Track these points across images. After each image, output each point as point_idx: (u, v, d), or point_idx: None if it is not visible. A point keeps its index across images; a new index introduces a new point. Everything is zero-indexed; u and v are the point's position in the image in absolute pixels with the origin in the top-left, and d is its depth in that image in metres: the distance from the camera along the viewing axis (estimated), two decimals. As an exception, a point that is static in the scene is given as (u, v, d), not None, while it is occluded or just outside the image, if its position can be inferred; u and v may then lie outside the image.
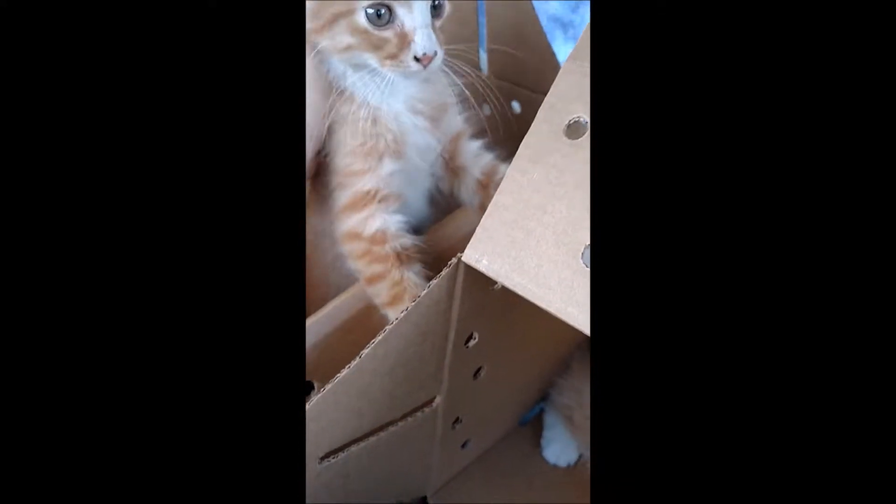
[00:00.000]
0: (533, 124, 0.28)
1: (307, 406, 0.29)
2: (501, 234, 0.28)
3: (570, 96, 0.27)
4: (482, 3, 0.52)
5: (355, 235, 0.36)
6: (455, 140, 0.40)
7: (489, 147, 0.41)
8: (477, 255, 0.28)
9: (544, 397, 0.57)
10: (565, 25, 0.62)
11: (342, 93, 0.36)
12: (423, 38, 0.32)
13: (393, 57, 0.33)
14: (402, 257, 0.36)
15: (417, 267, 0.37)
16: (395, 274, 0.35)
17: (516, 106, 0.55)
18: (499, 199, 0.28)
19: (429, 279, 0.30)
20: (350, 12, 0.32)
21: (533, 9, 0.48)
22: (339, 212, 0.37)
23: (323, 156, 0.39)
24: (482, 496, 0.49)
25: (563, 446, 0.53)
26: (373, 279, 0.36)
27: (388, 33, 0.32)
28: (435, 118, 0.38)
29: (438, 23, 0.33)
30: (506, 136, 0.42)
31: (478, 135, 0.41)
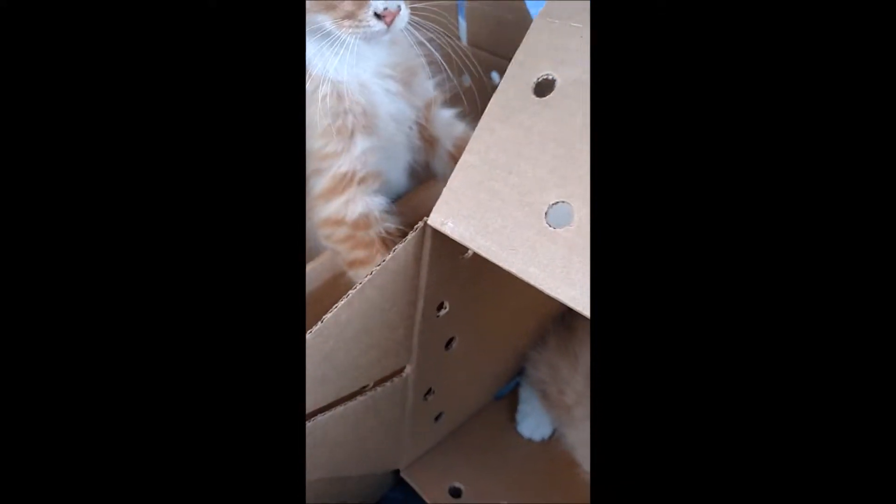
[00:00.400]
0: (502, 82, 0.27)
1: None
2: (467, 196, 0.27)
3: (538, 53, 0.26)
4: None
5: (338, 221, 0.35)
6: (428, 107, 0.39)
7: (462, 116, 0.40)
8: (442, 217, 0.27)
9: (520, 371, 0.57)
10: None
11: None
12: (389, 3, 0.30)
13: (350, 16, 0.30)
14: (386, 242, 0.35)
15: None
16: (379, 259, 0.34)
17: (496, 76, 0.54)
18: (466, 160, 0.27)
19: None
20: None
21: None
22: (316, 197, 0.35)
23: None
24: (456, 470, 0.49)
25: (538, 421, 0.53)
26: (355, 263, 0.35)
27: (332, 17, 0.30)
28: (406, 82, 0.36)
29: None
30: (484, 107, 0.41)
31: (450, 102, 0.40)
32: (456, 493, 0.48)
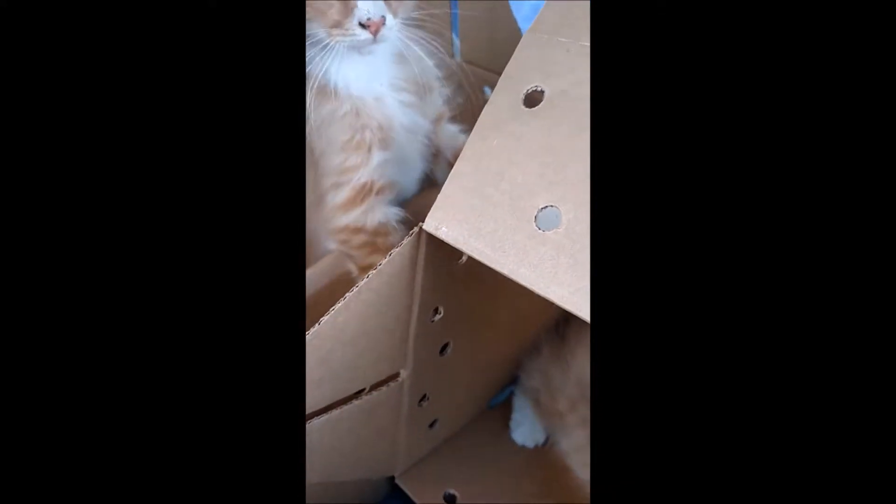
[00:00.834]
0: (493, 94, 0.29)
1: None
2: (461, 202, 0.28)
3: (528, 67, 0.28)
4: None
5: (357, 229, 0.36)
6: (437, 121, 0.40)
7: (465, 132, 0.42)
8: (436, 222, 0.28)
9: (514, 380, 0.58)
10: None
11: (323, 90, 0.35)
12: (365, 6, 0.30)
13: (338, 24, 0.31)
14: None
15: None
16: None
17: (488, 91, 0.56)
18: (459, 167, 0.29)
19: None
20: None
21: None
22: (336, 207, 0.36)
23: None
24: (450, 477, 0.50)
25: (532, 428, 0.54)
26: (369, 268, 0.36)
27: (325, 24, 0.31)
28: (420, 95, 0.37)
29: None
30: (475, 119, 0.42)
31: (456, 118, 0.41)
32: (451, 499, 0.48)
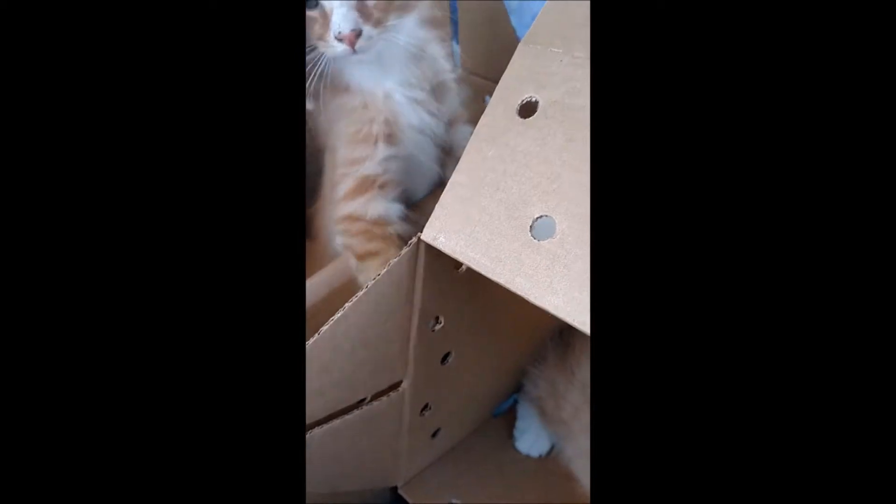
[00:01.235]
0: (489, 105, 0.29)
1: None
2: (458, 212, 0.28)
3: (522, 78, 0.28)
4: (454, 2, 0.53)
5: (357, 217, 0.36)
6: (453, 124, 0.40)
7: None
8: (434, 232, 0.29)
9: (518, 388, 0.57)
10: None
11: (335, 84, 0.35)
12: (338, 16, 0.31)
13: (321, 37, 0.33)
14: (402, 238, 0.36)
15: None
16: (392, 252, 0.35)
17: (489, 100, 0.56)
18: (456, 178, 0.29)
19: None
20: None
21: (504, 6, 0.49)
22: (339, 199, 0.37)
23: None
24: (454, 487, 0.50)
25: (536, 437, 0.54)
26: (365, 255, 0.36)
27: (314, 13, 0.32)
28: (436, 96, 0.37)
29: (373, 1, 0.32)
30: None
31: (473, 120, 0.41)
32: (454, 509, 0.48)
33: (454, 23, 0.56)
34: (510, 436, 0.55)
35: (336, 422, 0.36)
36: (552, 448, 0.54)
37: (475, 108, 0.46)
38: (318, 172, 0.42)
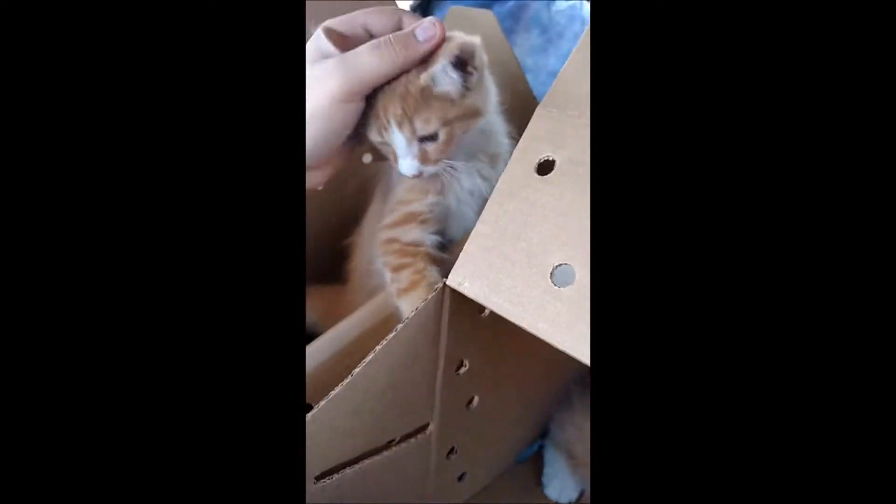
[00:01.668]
0: (509, 163, 0.32)
1: (302, 422, 0.31)
2: (481, 260, 0.30)
3: (540, 138, 0.31)
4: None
5: (394, 240, 0.39)
6: None
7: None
8: (459, 278, 0.31)
9: (544, 433, 0.57)
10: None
11: None
12: (403, 165, 0.36)
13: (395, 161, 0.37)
14: (432, 257, 0.39)
15: (442, 271, 0.39)
16: (420, 264, 0.38)
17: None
18: (479, 229, 0.31)
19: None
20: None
21: (520, 66, 0.53)
22: (385, 226, 0.40)
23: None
24: (480, 533, 0.49)
25: (565, 482, 0.53)
26: (399, 268, 0.39)
27: (387, 148, 0.37)
28: (490, 163, 0.41)
29: (433, 146, 0.36)
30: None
31: None
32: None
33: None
34: (536, 481, 0.55)
35: (366, 462, 0.37)
36: (581, 494, 0.53)
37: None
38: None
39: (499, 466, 0.55)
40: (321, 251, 0.46)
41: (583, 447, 0.50)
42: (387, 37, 0.32)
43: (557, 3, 0.73)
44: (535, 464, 0.57)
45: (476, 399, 0.43)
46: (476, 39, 0.34)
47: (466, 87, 0.34)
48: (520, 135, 0.32)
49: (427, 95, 0.33)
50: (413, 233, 0.39)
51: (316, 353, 0.40)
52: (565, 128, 0.30)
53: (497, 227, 0.30)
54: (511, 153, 0.32)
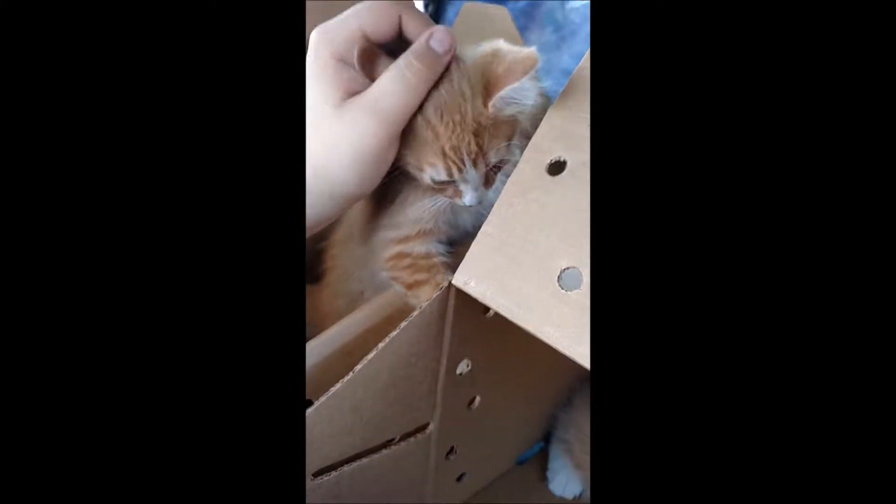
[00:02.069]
0: (519, 163, 0.31)
1: (302, 418, 0.30)
2: (488, 260, 0.30)
3: (552, 139, 0.30)
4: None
5: (402, 255, 0.38)
6: None
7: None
8: (465, 278, 0.30)
9: (543, 437, 0.57)
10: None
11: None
12: (469, 197, 0.34)
13: (451, 196, 0.35)
14: (448, 265, 0.38)
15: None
16: (440, 278, 0.36)
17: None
18: (486, 229, 0.31)
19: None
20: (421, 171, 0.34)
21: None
22: (391, 241, 0.39)
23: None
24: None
25: (568, 478, 0.54)
26: (414, 285, 0.38)
27: (447, 186, 0.34)
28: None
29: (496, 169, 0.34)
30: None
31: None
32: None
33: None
34: (535, 483, 0.55)
35: (365, 460, 0.37)
36: (583, 491, 0.53)
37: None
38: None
39: (498, 467, 0.55)
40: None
41: (580, 446, 0.51)
42: (407, 59, 0.30)
43: (571, 1, 0.72)
44: (534, 466, 0.57)
45: (477, 399, 0.43)
46: (532, 51, 0.31)
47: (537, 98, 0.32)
48: (530, 136, 0.31)
49: (497, 122, 0.31)
50: (420, 245, 0.38)
51: (315, 350, 0.39)
52: (577, 128, 0.29)
53: (505, 228, 0.30)
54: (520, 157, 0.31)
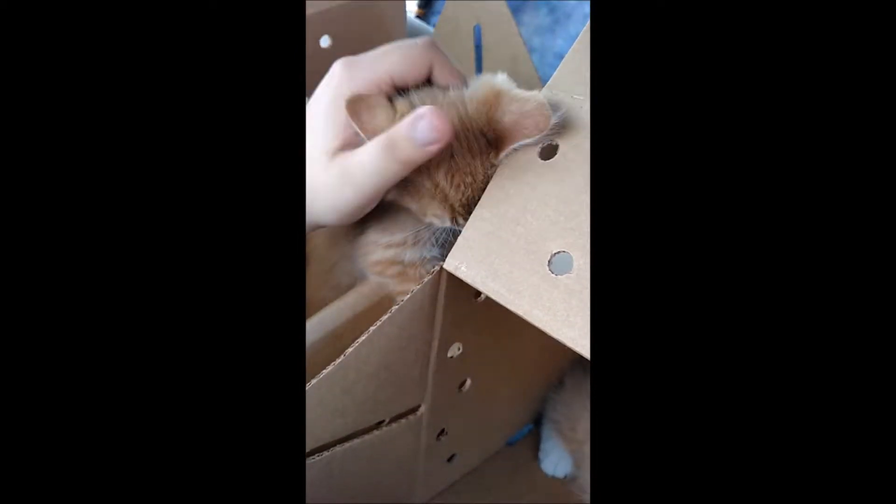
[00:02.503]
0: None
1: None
2: (479, 244, 0.30)
3: (545, 121, 0.30)
4: (479, 43, 0.56)
5: (393, 262, 0.38)
6: None
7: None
8: (456, 262, 0.30)
9: (536, 418, 0.58)
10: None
11: None
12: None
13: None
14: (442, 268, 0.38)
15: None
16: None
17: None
18: (478, 213, 0.31)
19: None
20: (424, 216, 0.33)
21: (525, 47, 0.52)
22: (379, 244, 0.38)
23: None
24: (468, 511, 0.50)
25: (559, 458, 0.55)
26: (403, 293, 0.38)
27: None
28: None
29: None
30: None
31: None
32: (467, 535, 0.49)
33: (478, 60, 0.59)
34: (525, 463, 0.56)
35: (356, 441, 0.37)
36: (573, 470, 0.55)
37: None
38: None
39: (489, 449, 0.56)
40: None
41: (568, 425, 0.52)
42: (392, 139, 0.28)
43: (567, -18, 0.71)
44: (524, 447, 0.57)
45: (468, 382, 0.43)
46: (542, 103, 0.28)
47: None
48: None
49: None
50: (412, 253, 0.37)
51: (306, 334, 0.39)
52: (571, 112, 0.29)
53: (497, 212, 0.30)
54: None
